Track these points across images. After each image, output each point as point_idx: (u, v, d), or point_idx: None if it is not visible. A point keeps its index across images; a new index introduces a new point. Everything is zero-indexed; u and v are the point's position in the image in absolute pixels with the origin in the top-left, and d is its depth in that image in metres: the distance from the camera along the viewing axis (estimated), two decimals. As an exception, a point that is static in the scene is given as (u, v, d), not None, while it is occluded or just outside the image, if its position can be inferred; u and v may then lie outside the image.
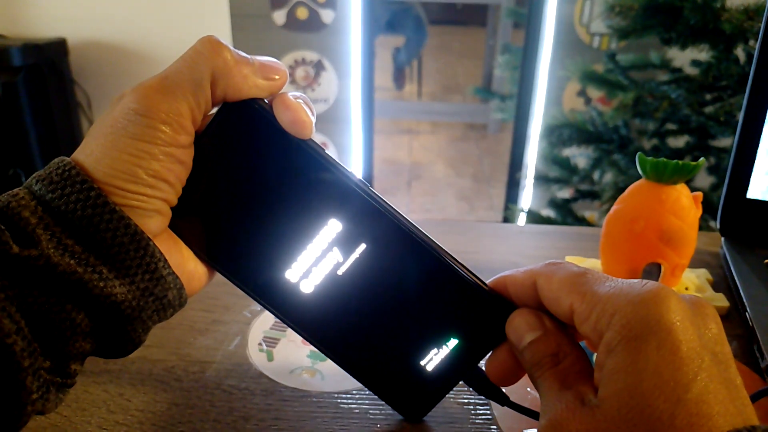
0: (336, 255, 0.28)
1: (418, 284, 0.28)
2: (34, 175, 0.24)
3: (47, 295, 0.22)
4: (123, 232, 0.23)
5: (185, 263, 0.27)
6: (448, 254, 0.28)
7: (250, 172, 0.27)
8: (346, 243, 0.28)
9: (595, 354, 0.23)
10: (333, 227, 0.28)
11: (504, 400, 0.30)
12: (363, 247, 0.28)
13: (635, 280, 0.23)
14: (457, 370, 0.30)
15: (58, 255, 0.22)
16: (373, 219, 0.27)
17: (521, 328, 0.27)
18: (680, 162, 0.39)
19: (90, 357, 0.25)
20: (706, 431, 0.19)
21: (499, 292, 0.28)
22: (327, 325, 0.29)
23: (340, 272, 0.28)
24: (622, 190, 0.44)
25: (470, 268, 0.29)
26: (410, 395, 0.31)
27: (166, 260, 0.25)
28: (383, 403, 0.33)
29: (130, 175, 0.24)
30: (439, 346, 0.29)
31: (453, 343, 0.29)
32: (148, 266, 0.24)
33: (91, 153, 0.24)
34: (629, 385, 0.20)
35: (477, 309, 0.29)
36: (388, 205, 0.28)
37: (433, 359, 0.30)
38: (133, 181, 0.24)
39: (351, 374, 0.31)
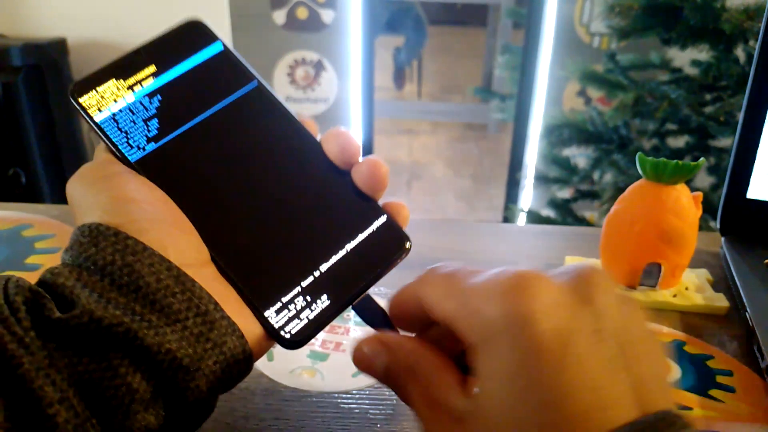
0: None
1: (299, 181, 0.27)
2: (61, 255, 0.23)
3: (99, 360, 0.21)
4: (166, 274, 0.22)
5: (241, 311, 0.24)
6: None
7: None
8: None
9: None
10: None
11: (389, 326, 0.26)
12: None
13: (499, 271, 0.21)
14: (345, 292, 0.26)
15: (101, 308, 0.21)
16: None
17: (365, 358, 0.24)
18: (680, 162, 0.40)
19: None
20: (598, 424, 0.17)
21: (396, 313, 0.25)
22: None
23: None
24: (622, 190, 0.44)
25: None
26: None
27: (216, 303, 0.23)
28: (383, 403, 0.33)
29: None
30: (329, 259, 0.26)
31: (341, 254, 0.26)
32: (198, 308, 0.22)
33: (100, 218, 0.23)
34: (492, 395, 0.19)
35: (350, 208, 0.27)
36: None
37: (322, 273, 0.26)
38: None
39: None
